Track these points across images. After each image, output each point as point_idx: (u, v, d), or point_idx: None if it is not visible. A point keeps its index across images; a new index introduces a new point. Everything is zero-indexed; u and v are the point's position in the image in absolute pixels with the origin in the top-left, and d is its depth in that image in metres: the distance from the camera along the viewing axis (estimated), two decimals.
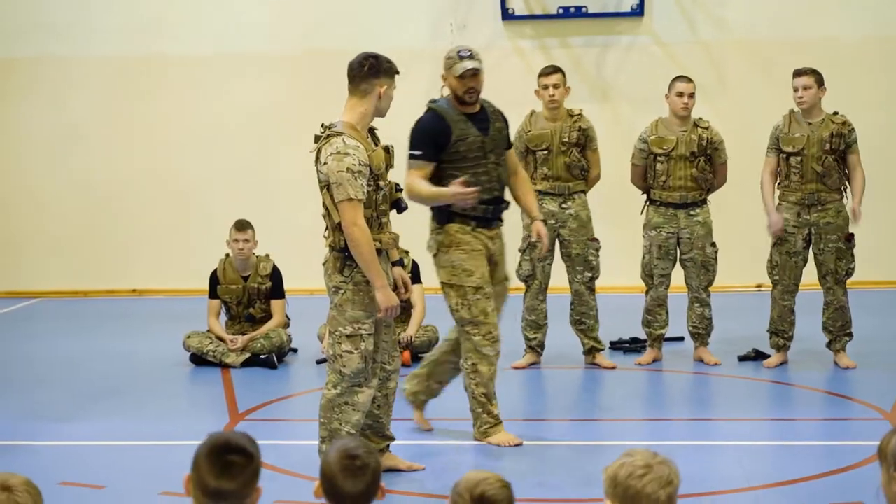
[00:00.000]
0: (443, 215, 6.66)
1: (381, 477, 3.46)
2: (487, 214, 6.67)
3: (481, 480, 3.15)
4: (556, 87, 8.55)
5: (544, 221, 7.17)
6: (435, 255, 6.76)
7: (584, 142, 8.65)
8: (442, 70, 6.73)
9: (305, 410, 7.87)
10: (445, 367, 6.94)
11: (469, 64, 6.61)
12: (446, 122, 6.65)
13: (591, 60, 11.16)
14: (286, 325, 9.12)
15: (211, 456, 3.15)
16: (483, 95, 11.98)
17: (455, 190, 6.39)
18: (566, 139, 8.60)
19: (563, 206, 8.66)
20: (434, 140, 6.63)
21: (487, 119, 6.75)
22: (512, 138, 8.72)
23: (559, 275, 8.81)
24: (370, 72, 6.02)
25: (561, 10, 11.63)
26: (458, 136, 6.61)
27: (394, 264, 6.14)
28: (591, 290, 8.70)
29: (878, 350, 8.82)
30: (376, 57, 6.09)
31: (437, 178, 6.62)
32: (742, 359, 8.63)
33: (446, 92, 6.77)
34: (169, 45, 12.06)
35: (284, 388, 8.34)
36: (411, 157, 6.69)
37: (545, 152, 8.61)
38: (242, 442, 3.19)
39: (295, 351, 9.15)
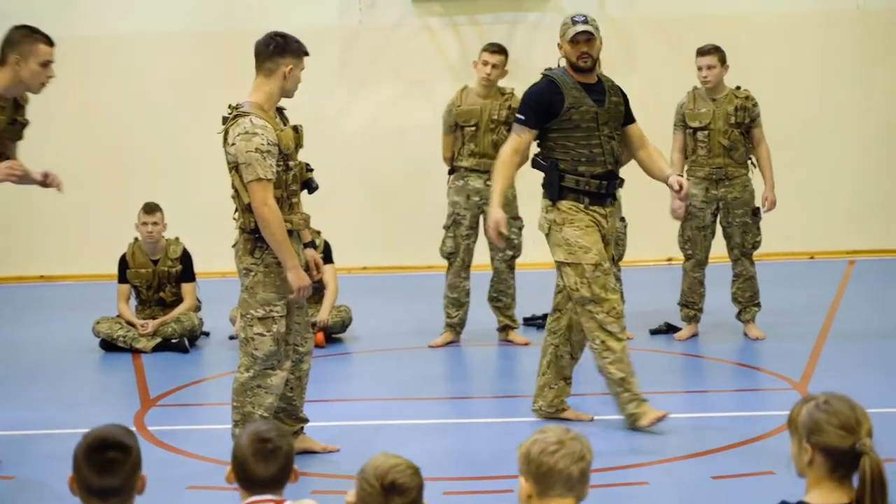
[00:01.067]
0: (554, 191, 6.41)
1: (293, 460, 3.43)
2: (601, 190, 6.40)
3: (391, 468, 3.13)
4: (494, 67, 8.53)
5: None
6: (547, 234, 6.47)
7: (513, 121, 8.64)
8: (557, 39, 6.48)
9: (218, 394, 7.81)
10: (563, 360, 6.61)
11: (581, 27, 6.34)
12: (559, 89, 6.39)
13: (500, 37, 11.07)
14: (197, 309, 9.03)
15: (89, 455, 3.13)
16: (390, 72, 11.89)
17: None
18: (495, 117, 8.60)
19: (489, 183, 8.63)
20: (543, 107, 6.39)
21: (604, 91, 6.48)
22: (443, 113, 8.75)
23: (480, 253, 8.83)
24: (276, 51, 5.97)
25: None
26: (570, 104, 6.35)
27: (306, 245, 6.10)
28: (511, 268, 8.72)
29: (787, 321, 8.95)
30: (283, 36, 6.03)
31: (549, 149, 6.43)
32: (654, 332, 8.71)
33: (563, 63, 6.51)
34: (76, 26, 11.84)
35: (196, 373, 8.26)
36: (515, 120, 6.55)
37: (473, 129, 8.60)
38: (119, 436, 3.17)
39: (207, 334, 9.07)
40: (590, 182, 6.37)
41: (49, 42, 5.93)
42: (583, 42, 6.37)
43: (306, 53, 6.04)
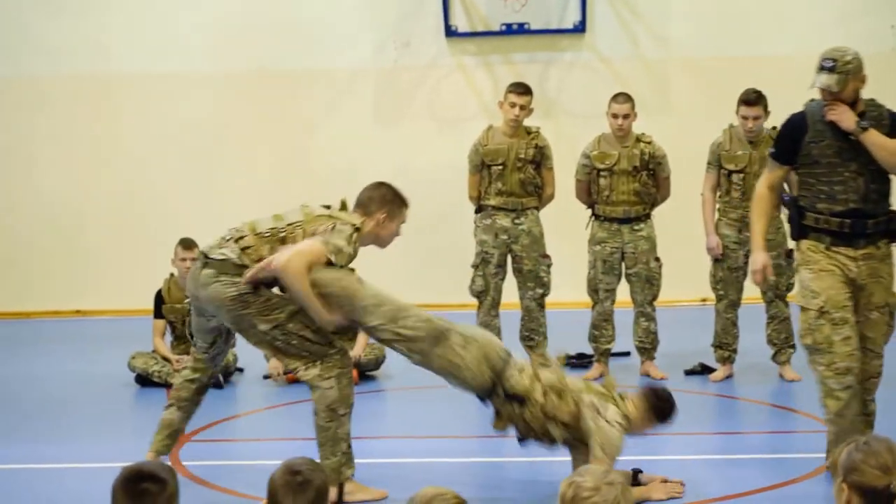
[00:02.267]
0: (795, 229, 6.18)
1: (326, 496, 3.43)
2: (843, 229, 5.99)
3: (436, 495, 3.15)
4: (522, 108, 8.59)
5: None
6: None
7: (540, 159, 8.71)
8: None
9: (252, 430, 7.85)
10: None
11: (820, 79, 6.03)
12: (805, 122, 6.10)
13: (534, 77, 11.18)
14: (232, 345, 9.04)
15: (125, 486, 3.17)
16: (423, 111, 11.94)
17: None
18: (522, 156, 8.65)
19: (516, 221, 8.71)
20: (788, 140, 6.17)
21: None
22: (469, 153, 8.80)
23: (509, 291, 8.84)
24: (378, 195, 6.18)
25: (504, 27, 11.67)
26: (811, 138, 6.04)
27: None
28: (542, 306, 8.74)
29: None
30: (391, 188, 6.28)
31: (798, 185, 6.27)
32: (688, 373, 8.68)
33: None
34: (113, 63, 11.96)
35: (231, 408, 8.28)
36: (770, 154, 6.38)
37: (500, 167, 8.66)
38: (155, 469, 3.21)
39: (241, 370, 9.09)
40: (829, 220, 6.02)
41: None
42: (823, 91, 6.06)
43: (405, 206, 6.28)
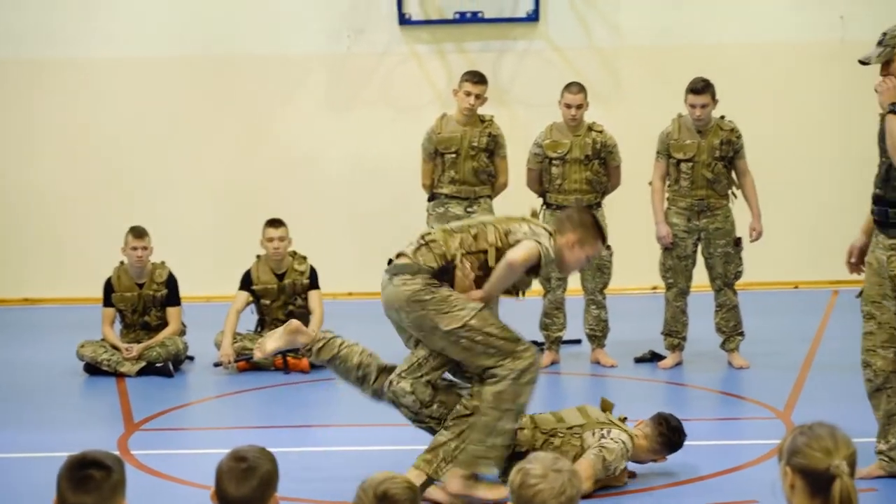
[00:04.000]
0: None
1: (273, 484, 3.41)
2: (874, 216, 5.84)
3: (386, 479, 3.16)
4: (478, 97, 8.59)
5: None
6: None
7: (494, 148, 8.72)
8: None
9: (203, 419, 7.83)
10: None
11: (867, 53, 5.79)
12: None
13: (488, 65, 11.17)
14: (182, 333, 9.02)
15: (69, 472, 3.14)
16: (377, 99, 11.96)
17: None
18: (476, 144, 8.66)
19: (469, 210, 8.71)
20: None
21: None
22: (423, 140, 8.78)
23: None
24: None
25: (457, 15, 11.66)
26: None
27: None
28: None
29: (771, 350, 8.97)
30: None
31: None
32: (638, 360, 8.73)
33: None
34: (69, 48, 11.85)
35: (181, 397, 8.25)
36: None
37: (454, 156, 8.67)
38: (100, 457, 3.18)
39: (191, 359, 9.05)
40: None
41: None
42: None
43: None
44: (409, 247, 5.87)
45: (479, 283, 5.78)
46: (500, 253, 5.74)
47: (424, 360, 5.86)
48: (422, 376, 5.84)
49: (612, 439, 5.87)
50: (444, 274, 5.75)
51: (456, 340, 5.70)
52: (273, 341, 6.11)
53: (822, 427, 3.07)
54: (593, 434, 5.93)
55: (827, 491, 2.98)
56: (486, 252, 5.76)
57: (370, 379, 6.04)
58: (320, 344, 6.08)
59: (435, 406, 5.85)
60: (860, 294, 5.99)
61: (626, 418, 6.25)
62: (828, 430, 3.07)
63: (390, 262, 5.94)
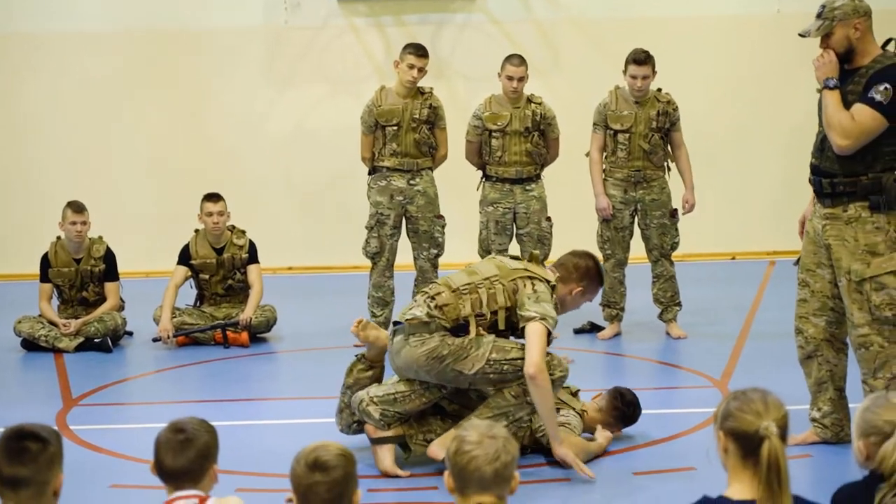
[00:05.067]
0: None
1: (211, 456, 3.41)
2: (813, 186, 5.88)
3: (317, 447, 3.17)
4: (420, 70, 8.57)
5: None
6: None
7: (434, 120, 8.72)
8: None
9: (141, 394, 7.79)
10: None
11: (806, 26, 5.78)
12: None
13: (426, 38, 11.16)
14: (121, 308, 8.97)
15: (5, 444, 3.13)
16: (316, 73, 11.87)
17: None
18: (417, 116, 8.65)
19: (411, 182, 8.72)
20: None
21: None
22: (362, 113, 8.76)
23: (403, 252, 8.87)
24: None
25: None
26: None
27: None
28: (435, 266, 8.78)
29: (708, 320, 9.07)
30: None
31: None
32: (577, 331, 8.79)
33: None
34: (3, 24, 11.70)
35: (119, 372, 8.20)
36: None
37: (395, 128, 8.65)
38: (37, 429, 3.17)
39: (130, 334, 9.00)
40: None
41: None
42: None
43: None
44: (419, 308, 5.80)
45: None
46: (509, 312, 5.76)
47: (402, 397, 5.83)
48: (394, 409, 5.84)
49: (562, 416, 5.95)
50: (458, 332, 5.74)
51: (484, 377, 5.71)
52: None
53: (754, 392, 3.13)
54: None
55: (758, 453, 3.03)
56: (496, 313, 5.76)
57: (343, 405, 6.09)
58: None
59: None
60: (797, 262, 6.07)
61: (578, 391, 6.30)
62: (759, 394, 3.12)
63: (396, 323, 5.89)
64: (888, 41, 5.73)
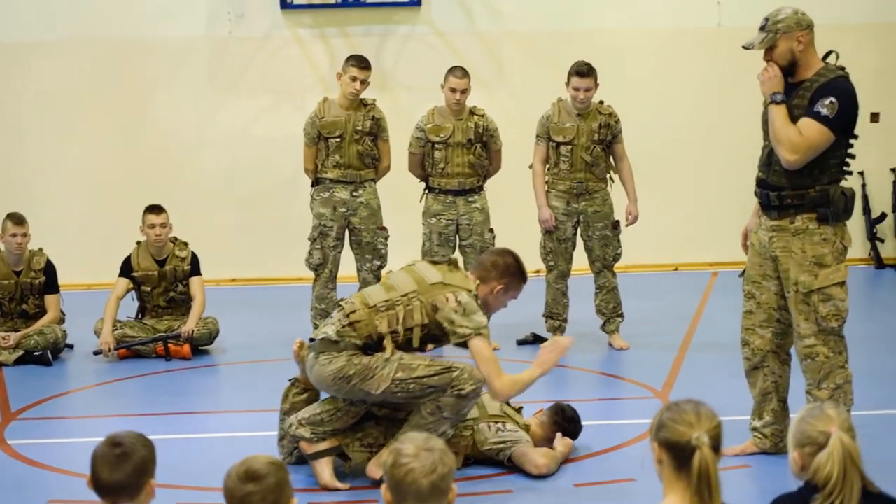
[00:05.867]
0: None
1: (149, 471, 3.39)
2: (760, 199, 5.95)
3: (249, 458, 3.18)
4: (363, 83, 8.58)
5: None
6: None
7: (377, 131, 8.73)
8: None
9: (82, 407, 7.73)
10: None
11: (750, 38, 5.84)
12: None
13: (370, 49, 11.17)
14: (61, 321, 8.89)
15: None
16: (259, 83, 11.86)
17: None
18: (360, 128, 8.67)
19: (355, 194, 8.72)
20: None
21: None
22: (305, 125, 8.75)
23: (346, 263, 8.87)
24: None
25: (340, 0, 11.63)
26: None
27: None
28: (378, 278, 8.76)
29: (651, 331, 9.12)
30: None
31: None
32: (520, 343, 8.81)
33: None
34: None
35: (60, 386, 8.13)
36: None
37: (338, 140, 8.66)
38: None
39: (71, 347, 8.92)
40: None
41: None
42: None
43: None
44: (332, 325, 5.78)
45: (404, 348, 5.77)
46: (424, 330, 5.73)
47: (329, 417, 5.84)
48: (323, 428, 5.84)
49: (510, 432, 5.99)
50: (369, 349, 5.72)
51: (392, 395, 5.70)
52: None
53: (687, 403, 3.15)
54: (489, 427, 6.00)
55: (690, 464, 3.05)
56: (411, 330, 5.74)
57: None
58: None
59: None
60: (742, 273, 6.12)
61: (521, 407, 6.32)
62: (692, 405, 3.15)
63: (311, 340, 5.87)
64: (828, 54, 5.81)
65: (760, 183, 5.88)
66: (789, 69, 5.72)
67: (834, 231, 5.73)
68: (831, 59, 5.79)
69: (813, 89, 5.65)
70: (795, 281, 5.75)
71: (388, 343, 5.71)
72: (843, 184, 5.76)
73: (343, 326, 5.73)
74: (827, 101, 5.60)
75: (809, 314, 5.75)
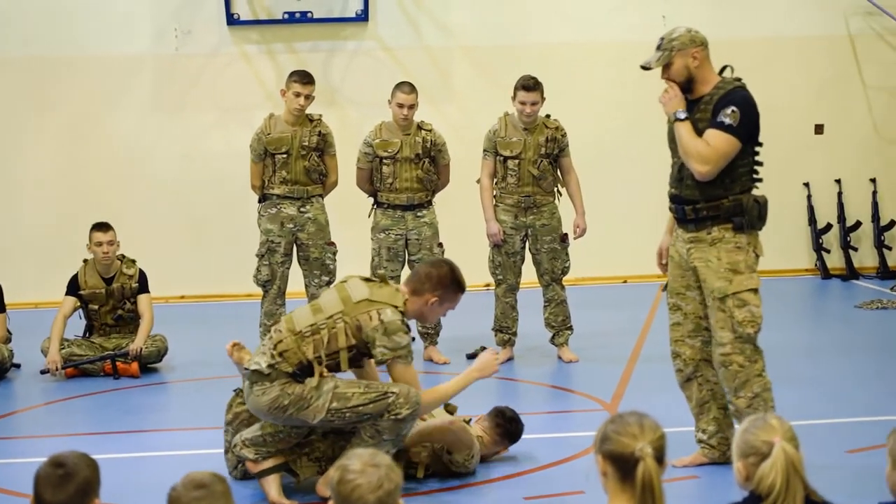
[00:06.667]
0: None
1: (92, 491, 3.36)
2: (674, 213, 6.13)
3: (189, 473, 3.20)
4: (307, 98, 8.58)
5: None
6: None
7: (324, 147, 8.73)
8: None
9: (29, 427, 7.65)
10: None
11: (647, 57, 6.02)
12: None
13: (318, 65, 11.17)
14: (8, 340, 8.80)
15: None
16: (206, 100, 11.83)
17: None
18: (306, 143, 8.67)
19: (302, 209, 8.72)
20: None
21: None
22: (251, 141, 8.73)
23: (294, 279, 8.85)
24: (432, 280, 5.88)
25: (286, 16, 11.62)
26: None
27: None
28: None
29: (599, 344, 9.16)
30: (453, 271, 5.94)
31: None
32: (470, 357, 8.79)
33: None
34: None
35: (6, 405, 8.04)
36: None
37: (284, 156, 8.66)
38: None
39: (18, 366, 8.83)
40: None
41: None
42: None
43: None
44: (262, 357, 5.74)
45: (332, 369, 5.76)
46: (351, 351, 5.70)
47: (272, 439, 5.82)
48: (266, 448, 5.83)
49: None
50: (302, 375, 5.69)
51: (330, 422, 5.69)
52: None
53: (630, 415, 3.18)
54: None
55: (634, 475, 3.08)
56: (337, 353, 5.70)
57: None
58: None
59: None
60: (665, 287, 6.20)
61: (470, 419, 6.34)
62: (636, 417, 3.17)
63: (245, 369, 5.84)
64: (724, 68, 5.97)
65: (674, 198, 6.02)
66: (688, 86, 5.89)
67: (748, 240, 5.88)
68: (727, 73, 5.97)
69: (714, 102, 5.82)
70: (712, 288, 5.87)
71: (317, 368, 5.68)
72: (755, 192, 5.91)
73: (272, 357, 5.70)
74: (729, 111, 5.76)
75: (726, 321, 5.85)
